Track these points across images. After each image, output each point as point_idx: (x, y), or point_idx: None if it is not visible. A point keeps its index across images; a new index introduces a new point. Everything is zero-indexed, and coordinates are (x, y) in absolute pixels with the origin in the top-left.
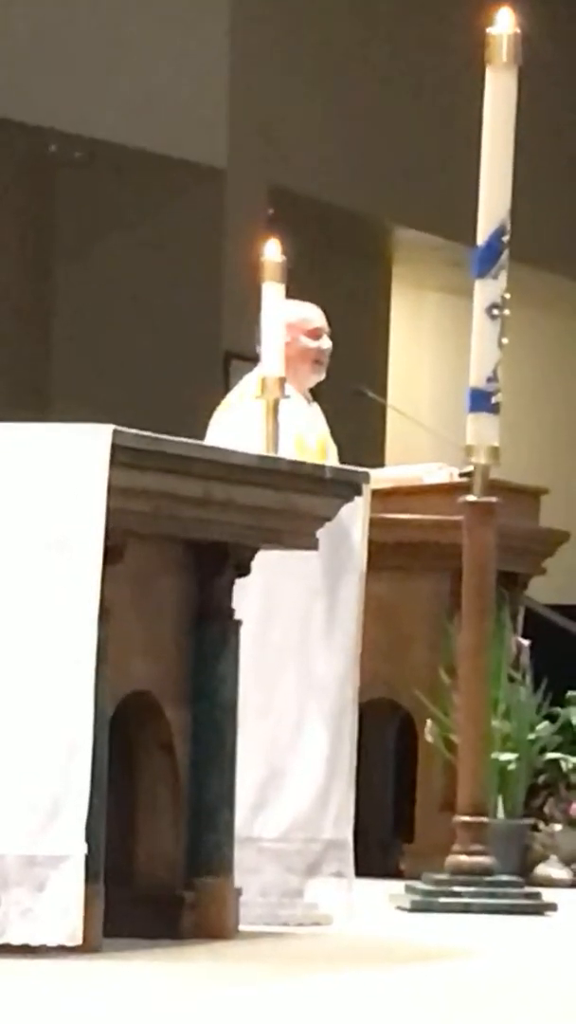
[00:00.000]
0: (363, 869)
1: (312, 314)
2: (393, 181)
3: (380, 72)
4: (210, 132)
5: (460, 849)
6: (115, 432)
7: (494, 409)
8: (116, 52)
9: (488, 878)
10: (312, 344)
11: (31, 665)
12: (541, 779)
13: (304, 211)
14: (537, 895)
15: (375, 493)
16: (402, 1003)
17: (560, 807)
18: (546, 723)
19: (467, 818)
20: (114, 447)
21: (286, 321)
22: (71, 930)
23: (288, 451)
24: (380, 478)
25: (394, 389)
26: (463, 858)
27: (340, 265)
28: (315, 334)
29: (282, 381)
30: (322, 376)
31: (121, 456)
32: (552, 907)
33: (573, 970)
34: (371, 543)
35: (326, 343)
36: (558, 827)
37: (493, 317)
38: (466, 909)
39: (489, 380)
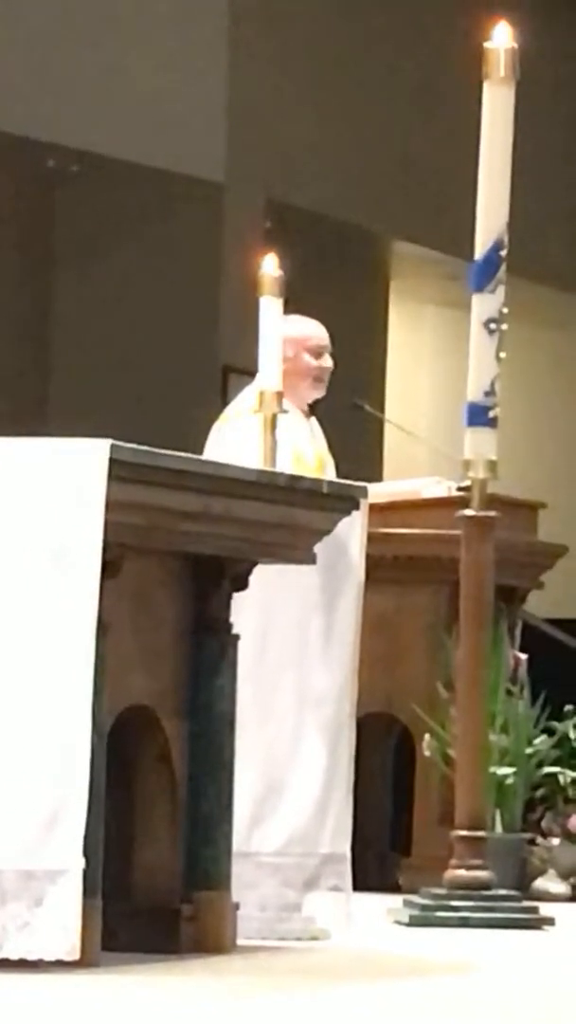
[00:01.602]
0: (361, 883)
1: (315, 331)
2: (391, 195)
3: (378, 86)
4: (208, 146)
5: (458, 863)
6: (113, 446)
7: (492, 423)
8: (114, 66)
9: (486, 892)
10: (313, 362)
11: (29, 678)
12: (539, 793)
13: (302, 225)
14: (535, 909)
15: (373, 507)
16: (400, 1017)
17: (558, 821)
18: (544, 737)
19: (465, 832)
20: (112, 461)
21: (288, 336)
22: (69, 945)
23: (286, 465)
24: (378, 492)
25: (392, 403)
26: (461, 872)
27: (338, 279)
28: (317, 351)
29: (280, 395)
30: (321, 393)
31: (119, 470)
32: (550, 921)
33: (571, 984)
34: (369, 557)
35: (327, 361)
36: (556, 841)
37: (491, 331)
38: (464, 923)
39: (487, 394)
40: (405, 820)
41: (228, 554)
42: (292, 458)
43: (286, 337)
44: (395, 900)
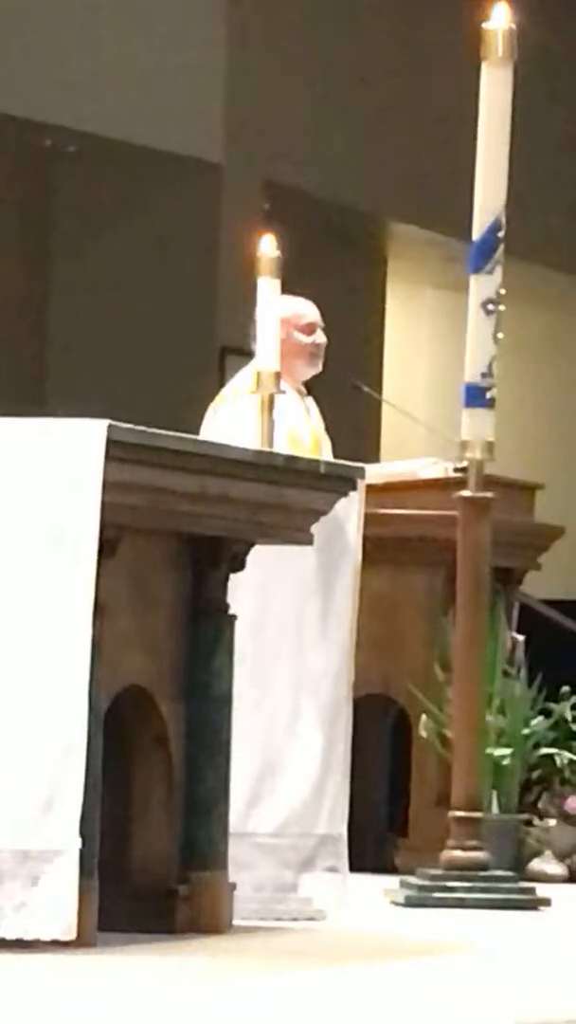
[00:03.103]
0: (357, 864)
1: (304, 308)
2: (389, 176)
3: (376, 66)
4: (206, 127)
5: (454, 844)
6: (110, 427)
7: (489, 404)
8: (112, 46)
9: (482, 873)
10: (305, 339)
11: (26, 660)
12: (535, 774)
13: (300, 206)
14: (531, 890)
15: (370, 488)
16: (396, 998)
17: (554, 802)
18: (540, 718)
19: (461, 813)
20: (109, 442)
21: (279, 317)
22: (65, 925)
23: (282, 446)
24: (375, 473)
25: (389, 384)
26: (457, 853)
27: (336, 260)
28: (308, 329)
29: (277, 376)
30: (318, 369)
31: (116, 451)
32: (546, 902)
33: (567, 965)
34: (366, 538)
35: (320, 337)
36: (552, 822)
37: (488, 312)
38: (460, 904)
39: (484, 375)
40: (402, 801)
41: (225, 535)
42: (288, 438)
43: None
44: (392, 881)
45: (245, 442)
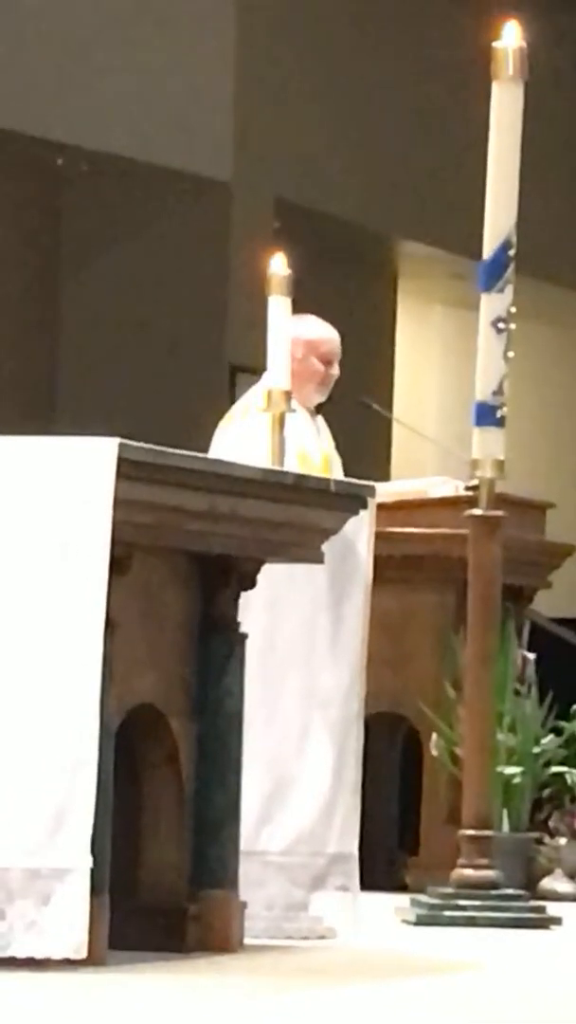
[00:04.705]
0: (368, 882)
1: (329, 337)
2: (399, 194)
3: (386, 85)
4: (216, 145)
5: (465, 863)
6: (121, 445)
7: (500, 423)
8: (123, 65)
9: (493, 892)
10: (321, 368)
11: (37, 678)
12: (546, 792)
13: (310, 224)
14: (542, 909)
15: (380, 506)
16: (407, 1017)
17: (565, 820)
18: (551, 736)
19: (472, 832)
20: (120, 460)
21: (303, 337)
22: (76, 943)
23: (291, 464)
24: (386, 491)
25: (399, 402)
26: (468, 872)
27: (346, 278)
28: (327, 358)
29: (288, 394)
30: (324, 399)
31: (127, 469)
32: (557, 921)
33: None
34: (376, 556)
35: (335, 369)
36: (563, 840)
37: (499, 331)
38: (471, 923)
39: (495, 393)
40: (412, 819)
41: (236, 553)
42: (297, 457)
43: (299, 338)
44: (402, 899)
45: (255, 460)
